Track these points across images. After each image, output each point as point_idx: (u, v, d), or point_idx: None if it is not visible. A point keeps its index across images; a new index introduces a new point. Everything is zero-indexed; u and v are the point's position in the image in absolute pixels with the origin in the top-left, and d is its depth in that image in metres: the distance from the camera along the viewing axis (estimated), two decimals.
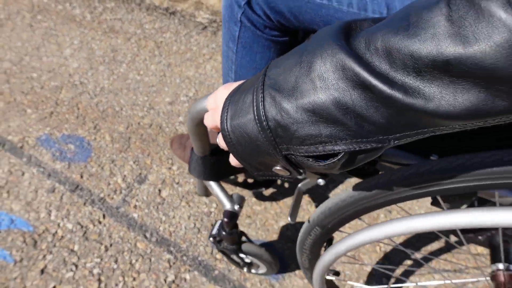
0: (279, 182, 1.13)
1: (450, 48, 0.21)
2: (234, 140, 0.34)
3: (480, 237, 0.63)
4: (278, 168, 0.34)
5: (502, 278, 0.58)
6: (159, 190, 1.12)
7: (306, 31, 0.61)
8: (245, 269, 0.95)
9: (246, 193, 1.11)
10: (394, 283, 0.97)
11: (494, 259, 0.60)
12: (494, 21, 0.19)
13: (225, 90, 0.38)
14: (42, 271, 0.95)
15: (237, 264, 0.94)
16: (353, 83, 0.25)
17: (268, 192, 1.13)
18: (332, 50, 0.26)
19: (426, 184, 0.44)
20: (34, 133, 1.24)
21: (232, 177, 1.02)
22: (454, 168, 0.41)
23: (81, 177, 1.13)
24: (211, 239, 0.82)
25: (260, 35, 0.61)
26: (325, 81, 0.27)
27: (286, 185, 1.15)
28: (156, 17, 1.72)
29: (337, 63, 0.26)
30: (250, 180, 1.04)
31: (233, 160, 0.39)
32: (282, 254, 1.03)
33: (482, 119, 0.23)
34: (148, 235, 1.03)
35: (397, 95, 0.24)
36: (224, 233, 0.78)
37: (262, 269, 0.93)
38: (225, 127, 0.34)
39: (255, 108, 0.31)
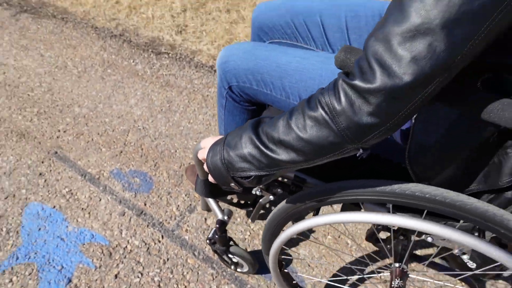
0: (267, 205, 1.40)
1: (283, 135, 0.56)
2: (211, 168, 0.68)
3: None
4: (232, 184, 0.68)
5: (394, 273, 0.86)
6: (205, 219, 1.41)
7: (265, 104, 0.96)
8: (232, 267, 1.24)
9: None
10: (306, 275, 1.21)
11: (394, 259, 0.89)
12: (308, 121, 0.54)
13: (211, 139, 0.73)
14: (116, 276, 1.24)
15: (226, 263, 1.23)
16: (254, 145, 0.60)
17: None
18: (248, 131, 0.61)
19: (324, 197, 0.72)
20: (108, 167, 1.57)
21: (228, 198, 1.30)
22: (340, 188, 0.69)
23: (145, 204, 1.44)
24: (207, 241, 1.14)
25: (238, 106, 0.96)
26: (244, 143, 0.61)
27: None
28: (203, 74, 2.07)
29: (249, 137, 0.61)
30: (242, 202, 1.32)
31: (211, 179, 0.72)
32: (260, 257, 1.29)
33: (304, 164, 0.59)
34: (196, 253, 1.31)
35: (268, 153, 0.59)
36: (216, 236, 1.09)
37: (245, 268, 1.22)
38: (208, 161, 0.68)
39: (219, 153, 0.65)
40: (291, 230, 0.80)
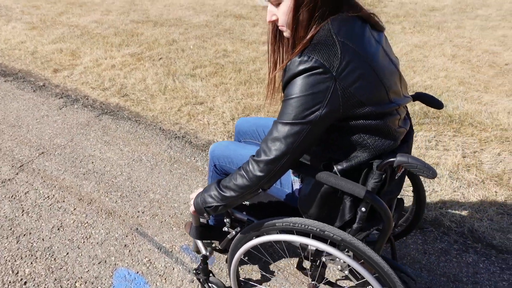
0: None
1: (227, 183, 1.13)
2: (195, 204, 1.23)
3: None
4: (205, 214, 1.21)
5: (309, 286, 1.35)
6: None
7: None
8: None
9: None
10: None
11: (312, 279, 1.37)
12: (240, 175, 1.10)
13: (195, 194, 1.28)
14: None
15: None
16: (215, 189, 1.15)
17: None
18: (214, 183, 1.17)
19: (260, 229, 1.21)
20: (179, 243, 1.96)
21: (212, 243, 1.79)
22: (266, 222, 1.19)
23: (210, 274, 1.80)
24: (194, 271, 1.62)
25: (219, 175, 1.53)
26: (211, 189, 1.17)
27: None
28: None
29: (214, 185, 1.17)
30: (218, 247, 1.82)
31: (193, 211, 1.29)
32: None
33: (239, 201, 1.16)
34: None
35: (221, 192, 1.14)
36: (200, 267, 1.57)
37: None
38: (193, 202, 1.24)
39: (199, 196, 1.22)
40: (241, 250, 1.32)
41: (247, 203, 1.47)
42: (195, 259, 1.87)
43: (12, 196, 2.25)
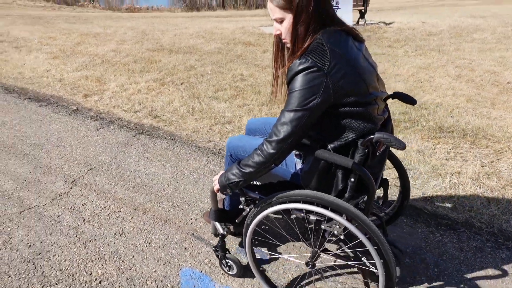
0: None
1: (247, 161, 1.41)
2: (220, 183, 1.50)
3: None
4: (228, 190, 1.49)
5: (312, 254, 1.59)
6: None
7: None
8: (226, 269, 1.90)
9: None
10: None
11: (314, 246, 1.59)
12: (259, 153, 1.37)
13: (218, 175, 1.55)
14: None
15: (223, 265, 1.90)
16: (236, 167, 1.43)
17: None
18: (235, 163, 1.45)
19: (271, 201, 1.49)
20: (234, 246, 2.12)
21: (227, 228, 1.95)
22: (277, 195, 1.47)
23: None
24: (213, 248, 1.89)
25: (234, 160, 1.77)
26: (232, 168, 1.45)
27: None
28: None
29: (235, 165, 1.44)
30: (233, 230, 2.12)
31: (217, 189, 1.56)
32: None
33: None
34: None
35: (241, 169, 1.41)
36: (219, 244, 1.84)
37: (235, 271, 1.87)
38: (218, 181, 1.53)
39: (223, 175, 1.49)
40: (255, 220, 1.57)
41: (258, 183, 1.69)
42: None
43: (71, 207, 2.41)
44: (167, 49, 6.64)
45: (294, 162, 1.59)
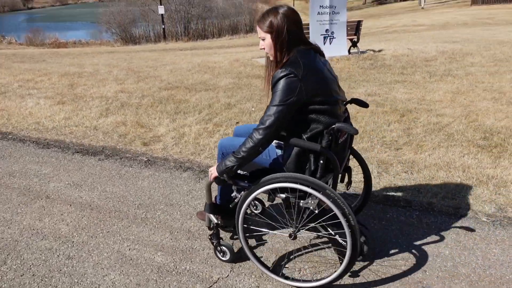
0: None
1: (240, 148, 1.75)
2: (218, 170, 1.80)
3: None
4: (224, 175, 1.80)
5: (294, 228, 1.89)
6: None
7: None
8: (220, 255, 2.12)
9: None
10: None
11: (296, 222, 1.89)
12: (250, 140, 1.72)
13: (214, 167, 1.85)
14: None
15: (218, 251, 2.12)
16: (232, 155, 1.78)
17: None
18: (230, 155, 1.77)
19: (259, 184, 1.81)
20: None
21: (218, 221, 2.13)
22: (263, 179, 1.80)
23: None
24: (209, 237, 2.14)
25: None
26: (229, 156, 1.77)
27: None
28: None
29: (231, 155, 1.76)
30: (223, 225, 2.25)
31: (214, 174, 1.84)
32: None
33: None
34: None
35: (236, 155, 1.74)
36: (214, 233, 2.07)
37: (228, 256, 2.09)
38: (216, 169, 1.83)
39: (220, 164, 1.80)
40: (246, 202, 1.87)
41: (247, 173, 1.99)
42: None
43: None
44: (180, 87, 6.24)
45: (275, 153, 1.92)
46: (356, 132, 1.67)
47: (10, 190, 3.02)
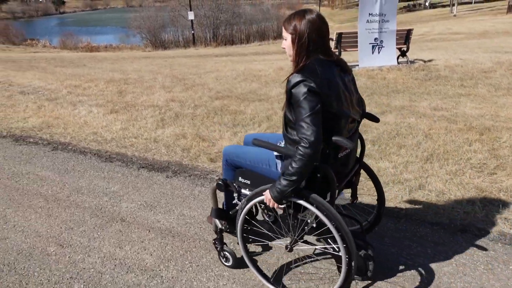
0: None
1: (288, 170, 1.62)
2: (277, 200, 1.68)
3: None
4: (283, 201, 1.71)
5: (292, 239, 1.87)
6: None
7: (240, 167, 2.07)
8: (224, 260, 2.14)
9: None
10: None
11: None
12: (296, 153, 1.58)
13: (267, 192, 1.73)
14: None
15: (221, 257, 2.15)
16: (286, 181, 1.62)
17: None
18: (280, 179, 1.65)
19: (257, 193, 1.82)
20: None
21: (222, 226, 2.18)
22: (263, 187, 1.79)
23: None
24: (213, 241, 2.16)
25: (229, 167, 2.10)
26: (281, 183, 1.64)
27: None
28: None
29: (282, 179, 1.65)
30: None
31: (274, 203, 1.70)
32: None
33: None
34: None
35: (291, 181, 1.61)
36: (218, 238, 2.12)
37: (230, 262, 2.11)
38: (272, 198, 1.69)
39: (274, 187, 1.66)
40: (246, 207, 1.87)
41: (248, 182, 1.98)
42: None
43: None
44: (231, 96, 6.05)
45: (275, 164, 1.87)
46: (351, 147, 1.65)
47: (82, 210, 2.85)
